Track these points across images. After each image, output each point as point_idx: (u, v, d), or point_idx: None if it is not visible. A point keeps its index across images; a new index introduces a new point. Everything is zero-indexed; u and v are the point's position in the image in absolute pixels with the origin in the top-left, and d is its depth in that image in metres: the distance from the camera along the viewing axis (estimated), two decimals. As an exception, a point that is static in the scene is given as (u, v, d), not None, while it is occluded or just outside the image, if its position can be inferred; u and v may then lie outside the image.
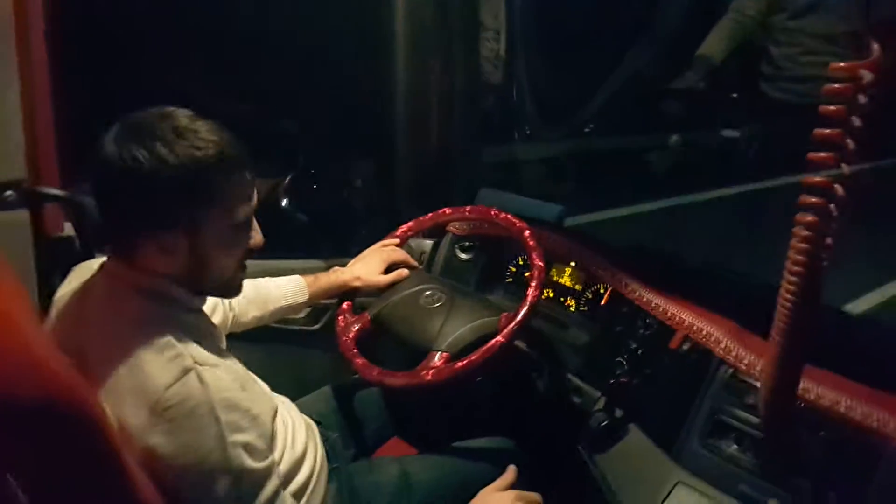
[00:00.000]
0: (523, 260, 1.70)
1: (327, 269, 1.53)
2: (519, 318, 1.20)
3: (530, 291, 1.23)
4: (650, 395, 1.24)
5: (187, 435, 0.78)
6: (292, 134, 2.17)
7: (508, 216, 1.37)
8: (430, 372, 1.18)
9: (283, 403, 1.15)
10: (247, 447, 0.83)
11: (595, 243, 1.55)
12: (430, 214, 1.53)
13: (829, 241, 0.75)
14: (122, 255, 0.88)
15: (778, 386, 0.84)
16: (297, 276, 1.38)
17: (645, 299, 1.32)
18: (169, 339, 0.82)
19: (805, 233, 0.76)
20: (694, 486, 1.07)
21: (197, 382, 0.80)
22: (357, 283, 1.40)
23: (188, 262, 0.88)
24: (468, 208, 1.48)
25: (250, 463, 0.83)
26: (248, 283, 1.27)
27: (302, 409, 1.22)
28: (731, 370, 1.12)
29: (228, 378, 0.85)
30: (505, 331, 1.19)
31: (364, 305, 1.41)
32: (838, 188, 0.73)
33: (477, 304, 1.34)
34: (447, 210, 1.51)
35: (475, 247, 1.69)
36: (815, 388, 0.98)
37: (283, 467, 0.98)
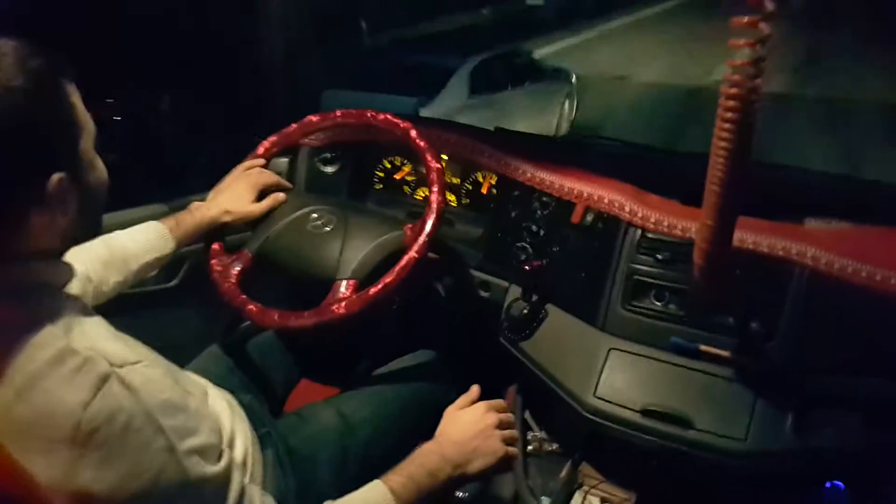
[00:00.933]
0: (390, 163, 1.58)
1: (172, 212, 1.29)
2: (428, 228, 1.09)
3: (434, 197, 1.11)
4: (563, 273, 1.23)
5: (128, 459, 0.60)
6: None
7: (388, 116, 1.23)
8: (342, 304, 1.05)
9: (192, 379, 0.96)
10: (201, 451, 0.67)
11: (471, 130, 1.47)
12: (294, 125, 1.32)
13: (758, 82, 0.74)
14: None
15: (717, 236, 0.85)
16: (153, 223, 1.13)
17: (538, 179, 1.29)
18: (64, 343, 0.61)
19: (736, 79, 0.74)
20: (627, 350, 1.11)
21: (122, 389, 0.61)
22: (227, 218, 1.19)
23: (78, 210, 0.68)
24: (339, 113, 1.29)
25: (210, 468, 0.67)
26: (97, 244, 1.03)
27: None
28: (639, 231, 1.14)
29: (157, 373, 0.66)
30: (416, 245, 1.08)
31: (239, 242, 1.22)
32: (764, 28, 0.71)
33: (374, 220, 1.21)
34: (314, 118, 1.31)
35: (338, 157, 1.53)
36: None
37: None
